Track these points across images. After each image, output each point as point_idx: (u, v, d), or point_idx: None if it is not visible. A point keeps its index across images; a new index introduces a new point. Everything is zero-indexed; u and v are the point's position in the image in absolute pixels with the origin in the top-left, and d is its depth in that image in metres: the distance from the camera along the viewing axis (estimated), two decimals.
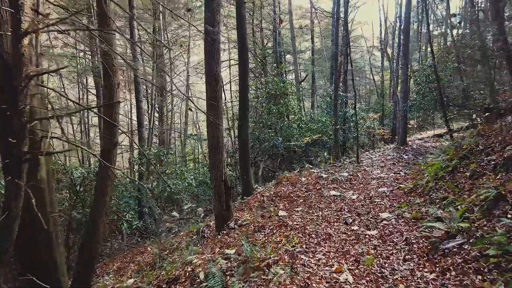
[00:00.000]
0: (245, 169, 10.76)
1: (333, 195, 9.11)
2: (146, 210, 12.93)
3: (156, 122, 28.34)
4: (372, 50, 40.63)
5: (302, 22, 31.80)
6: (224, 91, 24.82)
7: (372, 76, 38.99)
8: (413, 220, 6.50)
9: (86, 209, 10.89)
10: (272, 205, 8.79)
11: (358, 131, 13.85)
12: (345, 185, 10.13)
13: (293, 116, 16.01)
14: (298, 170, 12.08)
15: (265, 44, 26.51)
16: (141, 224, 11.81)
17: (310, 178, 10.73)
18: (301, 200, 8.88)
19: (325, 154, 15.24)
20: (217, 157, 7.49)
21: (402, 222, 6.64)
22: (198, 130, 32.03)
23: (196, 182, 18.68)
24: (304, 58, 32.60)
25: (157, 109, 28.17)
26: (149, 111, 26.12)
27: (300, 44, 30.88)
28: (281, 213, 7.77)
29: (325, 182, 10.23)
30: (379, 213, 7.46)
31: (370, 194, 9.22)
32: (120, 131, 5.98)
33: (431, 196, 7.20)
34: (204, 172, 18.90)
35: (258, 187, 11.44)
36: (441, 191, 7.14)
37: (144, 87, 27.16)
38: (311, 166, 12.54)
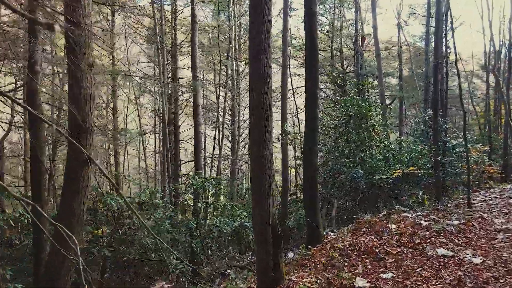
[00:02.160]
0: (312, 208, 8.14)
1: (442, 255, 6.04)
2: (197, 249, 10.81)
3: (228, 152, 26.97)
4: (472, 78, 35.64)
5: (389, 45, 28.68)
6: (298, 119, 22.59)
7: (473, 106, 33.85)
8: None
9: (124, 248, 9.14)
10: (346, 265, 6.02)
11: (467, 165, 10.44)
12: (458, 239, 6.92)
13: (377, 145, 13.01)
14: (384, 212, 9.06)
15: (345, 68, 23.96)
16: (185, 267, 9.65)
17: (402, 225, 7.70)
18: (390, 260, 5.97)
19: (420, 193, 11.88)
20: (262, 191, 5.10)
21: None
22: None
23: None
24: (390, 84, 29.19)
25: (229, 138, 26.85)
26: (219, 139, 24.83)
27: (386, 68, 27.70)
28: (360, 282, 5.00)
29: (427, 233, 7.13)
30: None
31: (503, 257, 5.97)
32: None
33: None
34: None
35: (330, 232, 8.67)
36: None
37: (216, 114, 26.19)
38: (403, 208, 9.43)
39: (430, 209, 9.84)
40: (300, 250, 7.53)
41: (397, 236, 7.01)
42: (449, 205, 10.74)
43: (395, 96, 22.81)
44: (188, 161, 20.62)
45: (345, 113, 11.88)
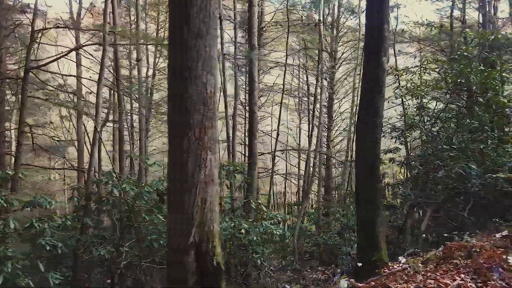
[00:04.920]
0: (368, 216, 5.06)
1: None
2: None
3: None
4: None
5: None
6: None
7: None
8: None
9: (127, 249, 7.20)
10: None
11: None
12: None
13: (507, 129, 8.81)
14: (505, 232, 5.32)
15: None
16: None
17: None
18: None
19: None
20: (180, 172, 2.47)
21: None
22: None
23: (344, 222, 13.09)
24: None
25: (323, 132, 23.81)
26: (309, 130, 22.03)
27: None
28: None
29: None
30: None
31: None
32: None
33: None
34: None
35: (402, 258, 5.39)
36: None
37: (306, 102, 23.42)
38: None
39: None
40: (335, 284, 4.55)
41: None
42: None
43: None
44: (264, 153, 18.39)
45: (451, 78, 8.05)
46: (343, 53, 25.25)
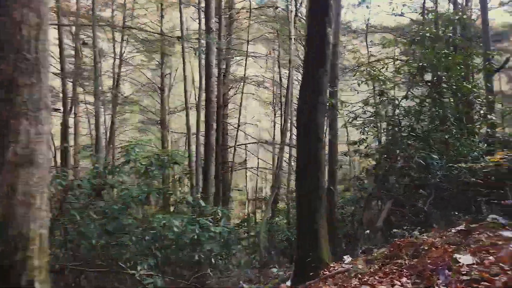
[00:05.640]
0: (307, 210, 4.44)
1: None
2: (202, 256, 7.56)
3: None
4: None
5: None
6: None
7: None
8: None
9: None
10: None
11: None
12: None
13: (479, 119, 8.37)
14: (462, 226, 4.77)
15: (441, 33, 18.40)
16: (159, 281, 6.41)
17: (491, 258, 3.50)
18: None
19: None
20: None
21: None
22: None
23: None
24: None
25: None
26: (282, 124, 21.47)
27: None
28: None
29: None
30: None
31: None
32: None
33: None
34: None
35: (347, 257, 4.78)
36: None
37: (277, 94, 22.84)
38: (502, 221, 4.95)
39: None
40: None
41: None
42: None
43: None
44: (230, 147, 17.70)
45: (413, 65, 7.50)
46: None
